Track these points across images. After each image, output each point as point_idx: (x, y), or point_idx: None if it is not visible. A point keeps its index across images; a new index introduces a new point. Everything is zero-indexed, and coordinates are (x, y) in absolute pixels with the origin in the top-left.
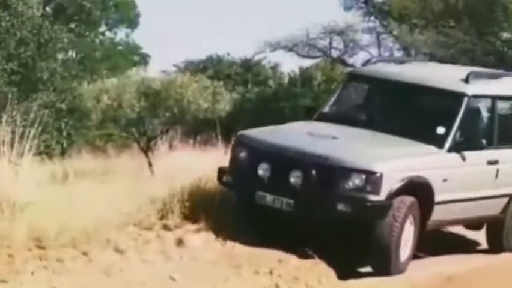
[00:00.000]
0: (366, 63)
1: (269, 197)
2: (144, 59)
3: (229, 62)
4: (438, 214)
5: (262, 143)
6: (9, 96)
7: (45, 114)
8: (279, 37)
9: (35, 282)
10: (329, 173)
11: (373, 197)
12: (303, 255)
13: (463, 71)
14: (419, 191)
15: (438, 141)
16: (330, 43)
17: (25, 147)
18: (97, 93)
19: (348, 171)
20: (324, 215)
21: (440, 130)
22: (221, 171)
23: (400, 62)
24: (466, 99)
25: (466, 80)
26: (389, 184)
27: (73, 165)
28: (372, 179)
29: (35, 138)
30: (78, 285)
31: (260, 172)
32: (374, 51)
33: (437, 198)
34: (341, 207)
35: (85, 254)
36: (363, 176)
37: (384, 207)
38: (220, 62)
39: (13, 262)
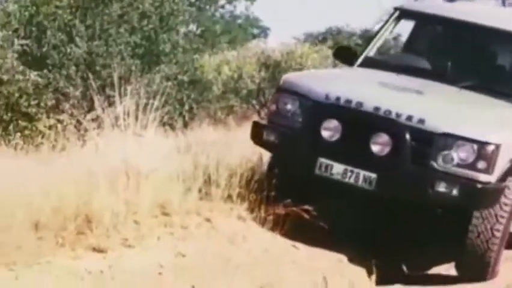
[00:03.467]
0: None
1: (338, 168)
2: (264, 32)
3: (349, 33)
4: None
5: (325, 93)
6: (133, 68)
7: (167, 86)
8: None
9: (161, 247)
10: (425, 141)
11: (484, 177)
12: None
13: None
14: None
15: None
16: None
17: (148, 119)
18: (218, 65)
19: (453, 141)
20: (418, 197)
21: None
22: (257, 127)
23: None
24: None
25: None
26: (503, 161)
27: (194, 136)
28: (486, 153)
29: (158, 110)
30: (202, 251)
31: (324, 133)
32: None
33: None
34: (442, 188)
35: (208, 220)
36: (475, 148)
37: (497, 192)
38: (340, 33)
39: (139, 228)
